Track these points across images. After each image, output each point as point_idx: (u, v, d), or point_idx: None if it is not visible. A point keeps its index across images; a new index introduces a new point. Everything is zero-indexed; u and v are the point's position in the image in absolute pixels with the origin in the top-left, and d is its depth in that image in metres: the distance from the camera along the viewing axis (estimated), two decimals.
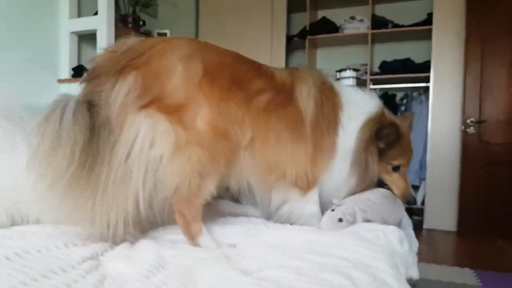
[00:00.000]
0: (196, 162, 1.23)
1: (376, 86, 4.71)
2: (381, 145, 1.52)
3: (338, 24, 4.89)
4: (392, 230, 1.33)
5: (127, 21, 3.51)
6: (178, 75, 1.24)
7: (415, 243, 1.79)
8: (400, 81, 4.64)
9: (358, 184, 1.52)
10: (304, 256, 1.05)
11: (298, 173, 1.44)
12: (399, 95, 4.81)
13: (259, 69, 1.46)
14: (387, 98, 4.71)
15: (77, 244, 1.12)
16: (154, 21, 4.15)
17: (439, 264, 3.13)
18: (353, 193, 1.53)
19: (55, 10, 3.12)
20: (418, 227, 4.31)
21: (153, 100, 1.20)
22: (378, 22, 4.64)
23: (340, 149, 1.49)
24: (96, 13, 3.15)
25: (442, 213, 4.29)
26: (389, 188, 1.60)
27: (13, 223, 1.29)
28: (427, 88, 4.44)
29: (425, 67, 4.41)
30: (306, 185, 1.46)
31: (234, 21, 4.86)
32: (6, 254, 0.94)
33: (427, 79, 4.37)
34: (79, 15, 3.26)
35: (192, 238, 1.25)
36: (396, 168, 1.57)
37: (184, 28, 4.83)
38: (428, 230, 4.30)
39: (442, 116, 4.29)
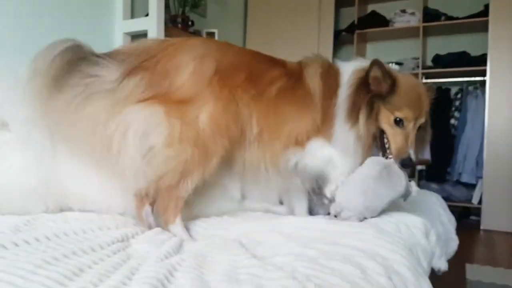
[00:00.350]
0: (182, 161, 1.26)
1: (429, 80, 4.57)
2: (373, 88, 1.45)
3: (388, 18, 4.80)
4: (415, 222, 1.31)
5: (177, 22, 3.59)
6: (188, 72, 1.30)
7: (455, 240, 1.77)
8: (454, 75, 4.48)
9: (351, 127, 1.44)
10: (318, 246, 1.07)
11: (290, 135, 1.45)
12: (454, 90, 4.63)
13: (272, 61, 1.53)
14: (441, 93, 4.56)
15: (110, 227, 1.21)
16: (203, 21, 4.24)
17: (495, 267, 2.99)
18: (360, 151, 1.48)
19: (110, 12, 3.26)
20: (475, 228, 4.14)
21: (156, 95, 1.26)
22: (430, 15, 4.51)
23: (340, 109, 1.48)
24: (147, 15, 3.26)
25: (501, 214, 4.07)
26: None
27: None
28: (483, 82, 4.24)
29: (482, 60, 4.23)
30: (301, 141, 1.46)
31: (281, 18, 4.88)
32: (46, 234, 1.03)
33: (483, 73, 4.18)
34: (132, 16, 3.38)
35: (165, 224, 1.29)
36: (399, 122, 1.45)
37: (232, 27, 4.90)
38: (486, 231, 4.09)
39: (500, 111, 4.08)
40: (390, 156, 1.46)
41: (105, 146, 1.23)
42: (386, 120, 1.46)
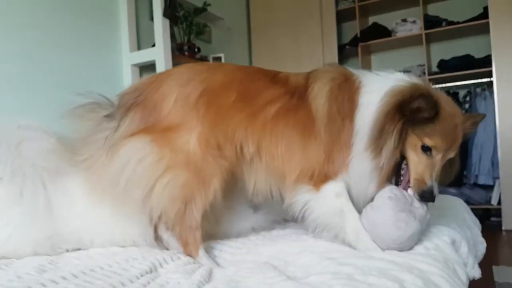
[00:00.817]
0: (178, 187, 1.25)
1: (436, 86, 4.56)
2: (411, 116, 1.24)
3: (390, 28, 4.84)
4: (442, 235, 1.28)
5: (183, 49, 3.64)
6: (173, 99, 1.31)
7: (482, 243, 1.74)
8: (461, 79, 4.49)
9: (373, 158, 1.24)
10: (353, 261, 1.07)
11: (303, 169, 1.31)
12: (462, 93, 4.64)
13: (273, 79, 1.41)
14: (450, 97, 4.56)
15: (137, 258, 1.18)
16: (209, 47, 4.30)
17: None
18: (377, 181, 1.28)
19: (117, 45, 3.32)
20: (497, 229, 4.07)
21: (146, 127, 1.28)
22: (431, 22, 4.54)
23: (359, 136, 1.29)
24: (154, 45, 3.32)
25: None
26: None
27: None
28: (490, 82, 4.24)
29: (487, 61, 4.23)
30: (317, 180, 1.30)
31: (284, 37, 4.94)
32: (73, 272, 1.02)
33: (489, 74, 4.18)
34: (139, 48, 3.44)
35: (189, 257, 1.28)
36: (426, 149, 1.25)
37: (238, 50, 4.97)
38: (508, 231, 4.02)
39: (510, 109, 4.06)
40: (409, 185, 1.29)
41: (112, 185, 1.27)
42: (411, 146, 1.27)
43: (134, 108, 1.31)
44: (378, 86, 1.32)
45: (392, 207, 1.21)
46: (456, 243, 1.33)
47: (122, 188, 1.25)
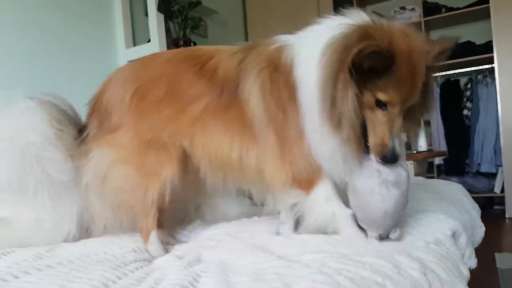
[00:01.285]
0: (122, 179, 1.28)
1: (436, 74, 4.53)
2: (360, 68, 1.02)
3: (388, 17, 4.77)
4: (443, 228, 1.22)
5: (179, 44, 3.60)
6: (116, 102, 1.32)
7: (481, 227, 1.71)
8: (462, 66, 4.44)
9: (334, 132, 1.06)
10: (350, 243, 1.06)
11: (274, 175, 1.19)
12: (463, 80, 4.59)
13: (200, 70, 1.28)
14: (450, 85, 4.52)
15: (131, 247, 1.21)
16: (205, 41, 4.26)
17: None
18: (352, 154, 1.10)
19: (112, 42, 3.32)
20: (500, 217, 4.07)
21: (102, 133, 1.32)
22: (430, 9, 4.51)
23: (309, 114, 1.12)
24: (149, 41, 3.31)
25: None
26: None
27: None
28: (492, 69, 4.21)
29: (488, 47, 4.21)
30: (304, 184, 1.18)
31: (282, 29, 4.78)
32: (68, 258, 1.06)
33: (490, 60, 4.14)
34: (134, 44, 3.42)
35: (144, 242, 1.28)
36: (380, 104, 1.07)
37: (234, 43, 4.91)
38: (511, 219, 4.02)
39: None
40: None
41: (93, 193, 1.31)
42: (367, 103, 1.08)
43: (91, 116, 1.37)
44: (311, 46, 1.12)
45: (365, 188, 1.11)
46: (456, 234, 1.28)
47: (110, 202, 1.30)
